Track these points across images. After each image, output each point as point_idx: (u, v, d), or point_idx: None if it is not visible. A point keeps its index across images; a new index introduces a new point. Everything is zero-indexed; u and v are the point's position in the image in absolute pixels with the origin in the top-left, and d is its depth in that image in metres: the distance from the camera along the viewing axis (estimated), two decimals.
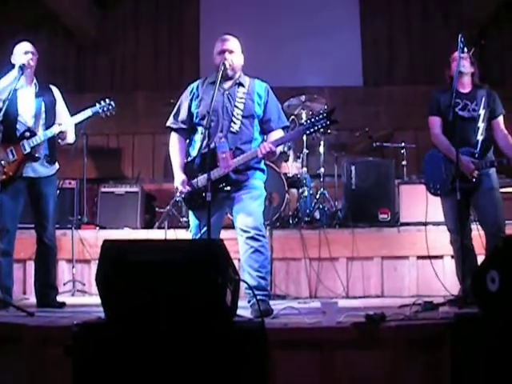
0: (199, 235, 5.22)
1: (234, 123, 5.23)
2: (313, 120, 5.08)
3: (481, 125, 5.67)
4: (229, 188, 5.15)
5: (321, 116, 5.05)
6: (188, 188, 5.23)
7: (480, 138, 5.67)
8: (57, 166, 6.06)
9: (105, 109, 6.05)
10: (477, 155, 5.64)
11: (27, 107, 5.87)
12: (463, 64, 5.72)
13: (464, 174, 5.55)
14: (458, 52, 5.54)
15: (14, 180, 5.74)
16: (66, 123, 5.92)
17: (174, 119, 5.51)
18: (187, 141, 5.53)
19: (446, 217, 5.83)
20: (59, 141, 6.01)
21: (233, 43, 5.35)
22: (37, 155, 5.83)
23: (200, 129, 5.34)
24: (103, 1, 11.65)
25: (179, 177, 5.32)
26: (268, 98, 5.39)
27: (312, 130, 5.11)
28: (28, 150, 5.76)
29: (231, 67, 5.28)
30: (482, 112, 5.69)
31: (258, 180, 5.33)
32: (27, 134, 5.78)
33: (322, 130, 5.23)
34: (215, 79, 5.28)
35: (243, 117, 5.26)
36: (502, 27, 10.75)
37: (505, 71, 10.66)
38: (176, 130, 5.50)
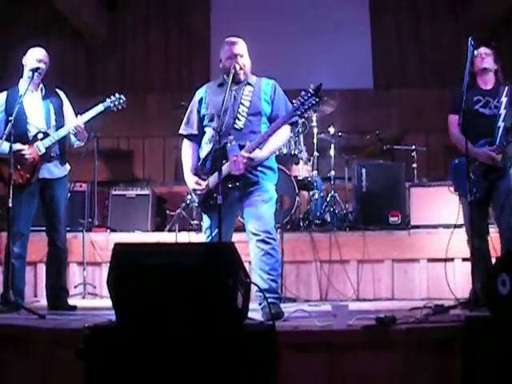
0: (211, 237, 5.24)
1: (239, 120, 5.21)
2: (301, 100, 5.06)
3: (501, 124, 5.62)
4: (238, 184, 5.11)
5: (309, 94, 5.03)
6: (203, 185, 5.23)
7: (501, 124, 5.63)
8: (68, 166, 6.08)
9: (116, 103, 6.06)
10: (496, 141, 5.60)
11: (36, 111, 5.89)
12: (487, 60, 5.72)
13: (489, 164, 5.57)
14: (468, 55, 5.49)
15: (30, 183, 5.77)
16: (80, 119, 5.91)
17: (185, 126, 5.51)
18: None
19: (465, 218, 5.79)
20: (77, 142, 6.01)
21: (242, 46, 5.33)
22: (52, 155, 5.86)
23: (208, 130, 5.35)
24: (113, 3, 11.68)
25: (191, 179, 5.32)
26: (275, 94, 5.36)
27: (302, 109, 5.08)
28: (43, 150, 5.78)
29: (243, 71, 5.27)
30: (503, 111, 5.65)
31: (268, 182, 5.31)
32: (40, 135, 5.79)
33: (312, 108, 5.20)
34: (222, 81, 5.30)
35: (249, 114, 5.24)
36: None
37: None
38: (188, 137, 5.51)
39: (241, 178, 5.11)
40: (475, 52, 5.55)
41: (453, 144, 5.88)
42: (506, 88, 5.72)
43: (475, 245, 5.51)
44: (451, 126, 5.86)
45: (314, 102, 5.04)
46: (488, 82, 5.81)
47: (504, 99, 5.67)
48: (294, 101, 5.12)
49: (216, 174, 5.01)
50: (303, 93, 5.06)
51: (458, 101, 5.62)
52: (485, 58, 5.72)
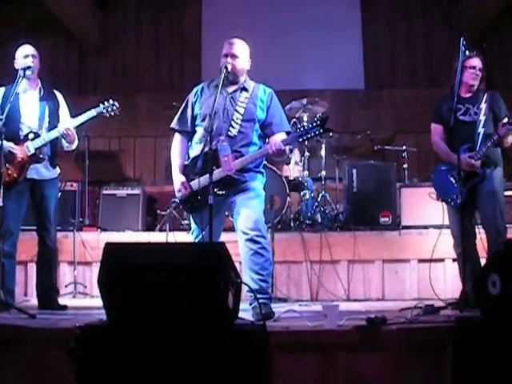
0: (199, 238, 5.23)
1: (233, 127, 5.22)
2: (306, 128, 5.06)
3: (481, 130, 5.63)
4: (224, 192, 5.13)
5: (314, 124, 5.02)
6: (188, 189, 5.22)
7: (481, 130, 5.63)
8: (58, 170, 6.06)
9: (109, 109, 6.03)
10: (476, 147, 5.61)
11: (31, 111, 5.87)
12: (479, 79, 5.74)
13: (468, 171, 5.56)
14: (460, 56, 5.48)
15: (18, 182, 5.75)
16: (71, 122, 5.90)
17: (178, 121, 5.49)
18: (189, 143, 5.52)
19: (451, 222, 5.82)
20: (66, 145, 6.00)
21: (238, 48, 5.32)
22: (41, 156, 5.83)
23: (199, 130, 5.34)
24: (105, 4, 11.67)
25: (178, 178, 5.32)
26: (271, 103, 5.37)
27: (305, 137, 5.08)
28: (32, 151, 5.75)
29: (232, 72, 5.25)
30: (482, 118, 5.66)
31: (256, 182, 5.31)
32: (31, 135, 5.77)
33: (314, 137, 5.20)
34: (218, 82, 5.29)
35: (243, 121, 5.24)
36: (503, 30, 10.76)
37: (506, 74, 10.65)
38: (179, 132, 5.50)
39: (228, 183, 5.11)
40: (467, 52, 5.54)
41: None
42: (486, 94, 5.72)
43: (463, 248, 5.50)
44: (432, 135, 5.96)
45: (317, 132, 5.03)
46: (469, 92, 5.82)
47: (483, 105, 5.67)
48: (298, 125, 5.10)
49: (206, 175, 5.00)
50: (308, 120, 5.05)
51: (437, 110, 5.83)
52: (478, 75, 5.74)
